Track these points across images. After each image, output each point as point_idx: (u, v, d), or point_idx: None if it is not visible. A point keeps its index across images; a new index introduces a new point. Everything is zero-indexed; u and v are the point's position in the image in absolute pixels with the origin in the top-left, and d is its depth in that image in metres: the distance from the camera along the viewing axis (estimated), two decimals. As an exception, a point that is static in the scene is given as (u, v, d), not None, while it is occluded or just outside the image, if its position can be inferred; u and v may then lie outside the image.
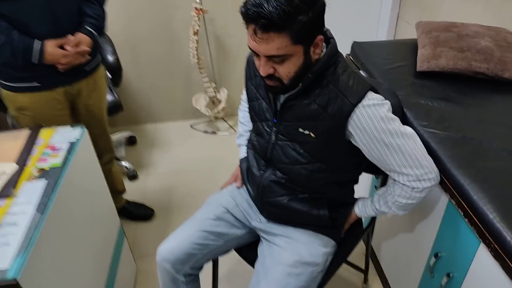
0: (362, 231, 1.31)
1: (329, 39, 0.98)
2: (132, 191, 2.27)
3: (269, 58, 0.90)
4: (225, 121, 2.85)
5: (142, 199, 2.18)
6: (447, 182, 1.00)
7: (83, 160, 1.27)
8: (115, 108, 2.08)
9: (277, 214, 1.17)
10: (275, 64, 0.92)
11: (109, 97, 2.09)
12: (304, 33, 0.87)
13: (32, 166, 1.15)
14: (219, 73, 2.71)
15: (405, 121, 1.16)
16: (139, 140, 2.70)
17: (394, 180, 1.04)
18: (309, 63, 0.93)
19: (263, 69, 0.92)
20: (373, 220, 1.39)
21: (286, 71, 0.92)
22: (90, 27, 1.42)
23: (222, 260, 1.40)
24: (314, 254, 1.10)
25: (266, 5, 0.81)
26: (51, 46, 1.31)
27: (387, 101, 0.97)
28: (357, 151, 1.02)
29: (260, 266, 1.12)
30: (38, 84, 1.39)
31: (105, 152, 1.74)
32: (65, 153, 1.20)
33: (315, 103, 0.97)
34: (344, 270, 1.73)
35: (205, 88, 2.56)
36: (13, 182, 1.08)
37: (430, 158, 1.00)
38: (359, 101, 0.93)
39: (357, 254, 1.55)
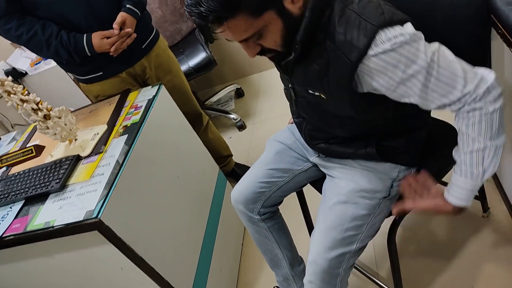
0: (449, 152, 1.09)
1: None
2: (241, 141, 2.39)
3: (246, 40, 0.79)
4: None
5: (249, 148, 2.29)
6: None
7: (161, 113, 1.39)
8: (208, 64, 2.18)
9: (328, 155, 1.10)
10: (257, 41, 0.80)
11: (202, 54, 2.20)
12: (262, 0, 0.73)
13: (119, 125, 1.32)
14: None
15: (490, 6, 0.89)
16: (246, 91, 2.79)
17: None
18: (293, 19, 0.78)
19: (249, 52, 0.82)
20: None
21: (271, 42, 0.80)
22: (130, 5, 1.42)
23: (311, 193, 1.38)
24: (372, 181, 0.99)
25: (203, 0, 0.70)
26: (96, 38, 1.38)
27: (406, 31, 0.75)
28: (385, 98, 0.84)
29: (322, 200, 1.07)
30: (102, 73, 1.52)
31: (195, 117, 1.77)
32: (143, 110, 1.33)
33: (315, 64, 0.83)
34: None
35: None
36: (103, 140, 1.26)
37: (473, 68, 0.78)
38: (363, 54, 0.75)
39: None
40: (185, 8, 0.75)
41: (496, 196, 1.44)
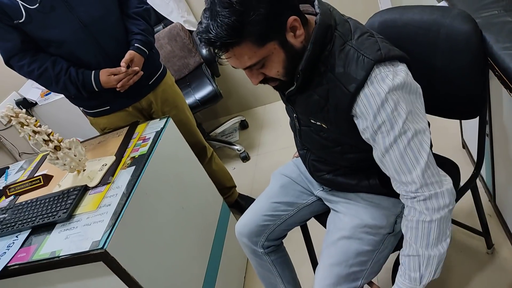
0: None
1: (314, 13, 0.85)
2: (244, 172, 2.41)
3: (249, 68, 0.84)
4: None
5: (252, 179, 2.30)
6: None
7: (168, 145, 1.42)
8: (214, 97, 2.23)
9: (331, 187, 1.12)
10: (260, 70, 0.86)
11: (209, 88, 2.26)
12: (266, 30, 0.78)
13: (127, 157, 1.35)
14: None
15: (483, 47, 0.94)
16: (250, 123, 2.83)
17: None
18: (295, 52, 0.83)
19: (253, 80, 0.88)
20: (474, 176, 1.17)
21: (274, 72, 0.85)
22: (138, 44, 1.48)
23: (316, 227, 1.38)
24: (376, 217, 1.00)
25: (212, 27, 0.77)
26: (103, 75, 1.44)
27: (400, 73, 0.80)
28: None
29: (326, 235, 1.08)
30: (109, 107, 1.58)
31: (200, 150, 1.79)
32: (151, 142, 1.37)
33: (316, 94, 0.88)
34: (462, 234, 1.50)
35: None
36: (111, 171, 1.29)
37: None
38: (361, 86, 0.79)
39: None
40: (197, 34, 0.81)
41: (501, 233, 1.44)
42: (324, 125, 0.92)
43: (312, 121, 0.94)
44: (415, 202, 0.83)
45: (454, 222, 1.45)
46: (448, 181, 0.83)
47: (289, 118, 1.12)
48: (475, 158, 1.28)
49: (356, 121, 0.85)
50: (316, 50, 0.83)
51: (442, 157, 1.21)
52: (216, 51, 0.81)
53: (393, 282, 1.09)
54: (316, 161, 1.07)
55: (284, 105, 1.08)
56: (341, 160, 1.00)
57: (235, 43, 0.78)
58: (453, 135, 1.84)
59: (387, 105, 0.79)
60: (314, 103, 0.90)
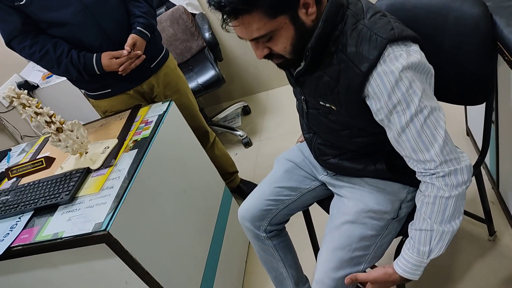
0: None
1: None
2: (247, 157, 2.41)
3: (256, 40, 0.82)
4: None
5: (254, 164, 2.30)
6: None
7: (171, 128, 1.41)
8: (217, 81, 2.21)
9: (337, 171, 1.11)
10: (266, 44, 0.83)
11: (211, 72, 2.24)
12: (279, 2, 0.76)
13: (129, 140, 1.34)
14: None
15: (493, 31, 0.92)
16: (253, 109, 2.82)
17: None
18: (305, 30, 0.81)
19: (257, 52, 0.85)
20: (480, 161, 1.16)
21: (280, 47, 0.83)
22: (140, 27, 1.47)
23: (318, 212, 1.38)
24: (380, 202, 1.00)
25: None
26: (105, 58, 1.42)
27: (414, 53, 0.79)
28: None
29: (329, 220, 1.07)
30: (110, 90, 1.56)
31: (202, 135, 1.78)
32: (154, 125, 1.36)
33: (326, 75, 0.86)
34: (464, 221, 1.49)
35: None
36: (114, 154, 1.28)
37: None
38: (374, 65, 0.78)
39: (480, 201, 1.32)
40: None
41: (503, 220, 1.44)
42: (333, 107, 0.91)
43: (321, 103, 0.93)
44: (434, 178, 0.82)
45: (456, 209, 1.45)
46: (465, 158, 0.83)
47: (294, 102, 1.10)
48: (479, 146, 1.28)
49: (368, 102, 0.83)
50: (327, 28, 0.81)
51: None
52: (224, 16, 0.78)
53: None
54: (323, 144, 1.06)
55: (287, 91, 1.07)
56: (348, 144, 0.99)
57: (245, 11, 0.76)
58: (458, 122, 1.83)
59: (401, 84, 0.77)
60: (324, 84, 0.88)
